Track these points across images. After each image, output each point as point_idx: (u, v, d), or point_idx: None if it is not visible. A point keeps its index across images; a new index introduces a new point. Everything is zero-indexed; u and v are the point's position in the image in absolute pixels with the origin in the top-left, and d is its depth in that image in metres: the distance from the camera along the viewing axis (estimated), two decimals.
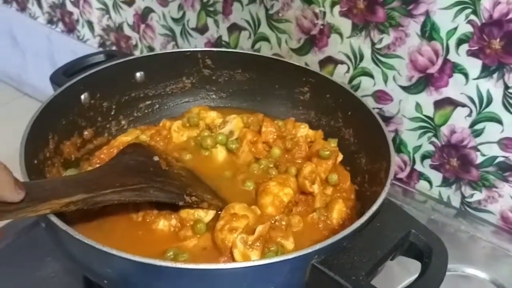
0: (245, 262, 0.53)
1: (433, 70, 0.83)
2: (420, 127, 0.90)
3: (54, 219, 0.54)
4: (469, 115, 0.83)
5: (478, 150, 0.85)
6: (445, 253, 0.56)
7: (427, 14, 0.79)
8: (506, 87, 0.77)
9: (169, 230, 0.67)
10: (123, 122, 0.87)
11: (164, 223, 0.67)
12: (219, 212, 0.68)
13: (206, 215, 0.68)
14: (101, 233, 0.63)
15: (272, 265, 0.51)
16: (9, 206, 0.50)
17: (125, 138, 0.81)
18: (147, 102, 0.90)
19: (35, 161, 0.67)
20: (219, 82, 0.93)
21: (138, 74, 0.86)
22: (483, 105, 0.81)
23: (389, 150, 0.68)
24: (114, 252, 0.50)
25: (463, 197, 0.91)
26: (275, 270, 0.53)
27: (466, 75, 0.80)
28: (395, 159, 0.68)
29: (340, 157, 0.81)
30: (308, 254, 0.52)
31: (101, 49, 1.42)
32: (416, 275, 0.56)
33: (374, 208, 0.58)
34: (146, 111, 0.90)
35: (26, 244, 0.79)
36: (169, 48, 1.22)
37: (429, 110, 0.87)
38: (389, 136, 0.70)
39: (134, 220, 0.67)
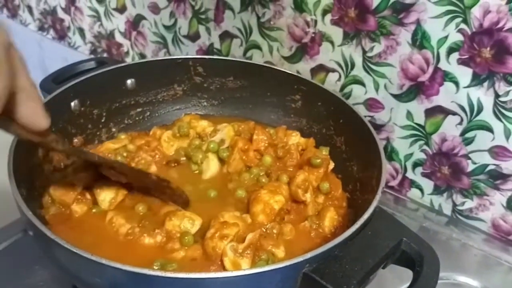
0: (236, 271, 0.53)
1: (424, 78, 0.84)
2: (412, 135, 0.90)
3: (42, 228, 0.53)
4: (460, 123, 0.83)
5: (469, 158, 0.85)
6: (436, 262, 0.56)
7: (418, 22, 0.80)
8: (497, 95, 0.78)
9: (155, 245, 0.65)
10: (113, 129, 0.87)
11: (149, 240, 0.65)
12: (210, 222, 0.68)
13: (193, 226, 0.67)
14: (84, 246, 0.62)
15: (263, 274, 0.51)
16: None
17: (112, 145, 0.80)
18: (138, 110, 0.89)
19: (23, 169, 0.66)
20: (211, 90, 0.93)
21: (129, 81, 0.86)
22: (474, 114, 0.81)
23: (380, 158, 0.68)
24: (104, 261, 0.49)
25: (454, 205, 0.91)
26: (266, 279, 0.52)
27: (456, 83, 0.81)
28: (387, 167, 0.68)
29: (332, 165, 0.81)
30: (300, 263, 0.52)
31: (92, 56, 1.41)
32: (408, 283, 0.56)
33: (366, 216, 0.58)
34: (137, 118, 0.90)
35: (14, 252, 0.78)
36: (161, 56, 1.22)
37: (420, 118, 0.87)
38: (381, 144, 0.70)
39: (118, 236, 0.66)
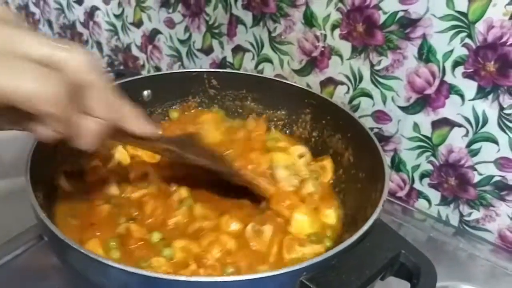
0: (233, 277, 0.53)
1: (430, 91, 0.86)
2: (419, 147, 0.92)
3: (54, 229, 0.54)
4: (466, 135, 0.85)
5: (475, 170, 0.87)
6: (433, 273, 0.56)
7: (424, 37, 0.82)
8: (501, 108, 0.80)
9: None
10: None
11: None
12: None
13: None
14: None
15: (260, 280, 0.51)
16: None
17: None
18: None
19: (42, 173, 0.68)
20: (224, 102, 0.95)
21: (145, 93, 0.89)
22: (479, 126, 0.83)
23: (384, 172, 0.68)
24: (115, 264, 0.51)
25: (461, 215, 0.93)
26: (263, 285, 0.53)
27: (462, 96, 0.83)
28: (389, 182, 0.68)
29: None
30: (297, 271, 0.52)
31: (109, 69, 1.45)
32: None
33: (365, 228, 0.58)
34: None
35: (30, 258, 0.80)
36: (175, 68, 1.25)
37: (427, 130, 0.89)
38: (385, 158, 0.70)
39: None
